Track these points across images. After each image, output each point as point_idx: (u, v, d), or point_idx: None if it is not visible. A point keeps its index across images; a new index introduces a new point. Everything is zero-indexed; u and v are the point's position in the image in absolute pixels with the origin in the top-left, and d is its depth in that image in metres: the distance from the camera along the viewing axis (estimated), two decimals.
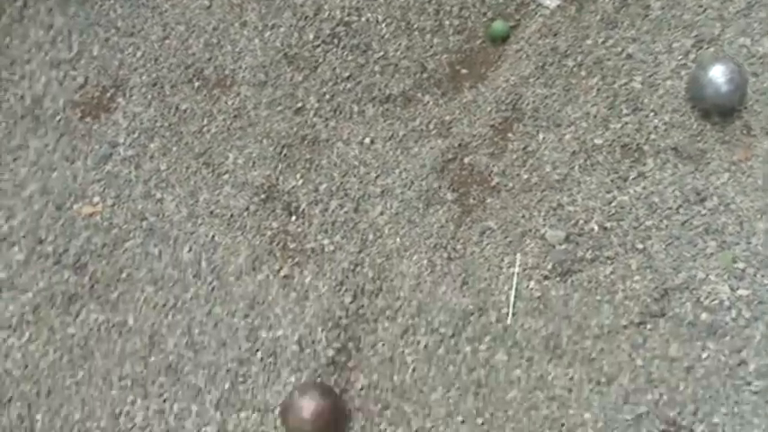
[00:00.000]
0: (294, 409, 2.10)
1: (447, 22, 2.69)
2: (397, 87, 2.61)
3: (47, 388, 2.25)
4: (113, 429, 2.20)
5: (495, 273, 2.33)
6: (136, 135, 2.56)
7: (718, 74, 2.40)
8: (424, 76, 2.62)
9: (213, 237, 2.41)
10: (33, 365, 2.28)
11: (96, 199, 2.47)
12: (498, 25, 2.64)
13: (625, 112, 2.50)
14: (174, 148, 2.54)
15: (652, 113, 2.49)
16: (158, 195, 2.48)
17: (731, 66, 2.42)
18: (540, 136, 2.50)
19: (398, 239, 2.39)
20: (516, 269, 2.32)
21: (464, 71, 2.63)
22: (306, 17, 2.73)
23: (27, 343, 2.31)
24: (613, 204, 2.38)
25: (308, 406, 2.09)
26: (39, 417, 2.22)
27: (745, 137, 2.43)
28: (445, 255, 2.36)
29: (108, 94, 2.63)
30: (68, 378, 2.26)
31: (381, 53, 2.66)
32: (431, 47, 2.66)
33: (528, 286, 2.30)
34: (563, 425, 2.13)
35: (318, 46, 2.69)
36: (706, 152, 2.42)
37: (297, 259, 2.38)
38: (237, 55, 2.69)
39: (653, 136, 2.46)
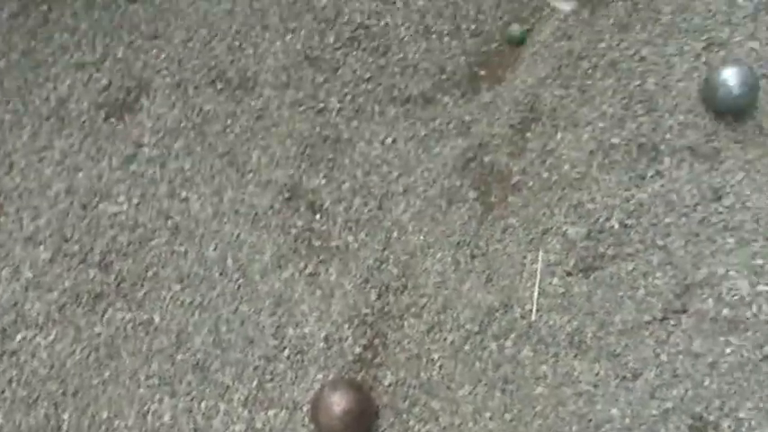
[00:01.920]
0: (324, 406, 1.92)
1: (464, 26, 2.52)
2: (416, 88, 2.44)
3: (74, 387, 2.07)
4: (141, 428, 2.02)
5: (518, 269, 2.16)
6: (160, 135, 2.38)
7: (730, 76, 2.25)
8: (443, 77, 2.45)
9: (239, 235, 2.23)
10: (60, 364, 2.09)
11: (122, 198, 2.28)
12: (515, 29, 2.48)
13: (640, 112, 2.34)
14: (199, 148, 2.36)
15: (667, 114, 2.33)
16: (183, 194, 2.29)
17: (743, 68, 2.27)
18: (559, 135, 2.34)
19: (422, 237, 2.22)
20: (539, 266, 2.15)
21: (482, 73, 2.46)
22: (326, 20, 2.55)
23: (54, 342, 2.12)
24: (632, 202, 2.22)
25: (338, 402, 1.91)
26: (66, 416, 2.04)
27: (757, 136, 2.28)
28: (468, 252, 2.19)
29: (132, 96, 2.44)
30: (95, 377, 2.08)
31: (401, 55, 2.49)
32: (449, 49, 2.49)
33: (551, 282, 2.13)
34: (590, 420, 1.97)
35: (339, 48, 2.51)
36: (720, 151, 2.27)
37: (322, 257, 2.20)
38: (259, 57, 2.51)
39: (668, 136, 2.30)
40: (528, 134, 2.35)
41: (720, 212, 2.18)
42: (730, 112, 2.29)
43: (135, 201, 2.28)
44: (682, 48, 2.41)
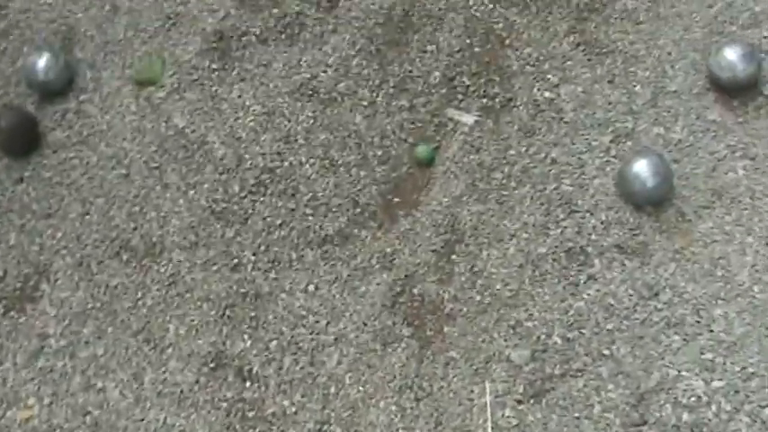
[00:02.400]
0: None
1: (371, 154, 2.45)
2: (332, 227, 2.35)
3: None
4: None
5: (467, 406, 2.05)
6: (67, 322, 2.22)
7: (642, 169, 2.23)
8: (357, 210, 2.37)
9: (165, 420, 2.07)
10: None
11: (31, 400, 2.10)
12: (422, 149, 2.42)
13: (561, 216, 2.29)
14: (110, 329, 2.20)
15: (588, 214, 2.29)
16: (99, 384, 2.12)
17: (653, 158, 2.25)
18: (484, 254, 2.26)
19: (361, 388, 2.09)
20: (488, 398, 2.04)
21: (396, 200, 2.39)
22: (228, 170, 2.46)
23: None
24: (571, 313, 2.15)
25: None
26: None
27: (681, 223, 2.25)
28: (413, 396, 2.07)
29: (31, 283, 2.29)
30: None
31: (310, 195, 2.40)
32: (359, 180, 2.42)
33: (504, 414, 2.02)
34: None
35: (245, 197, 2.41)
36: (648, 245, 2.22)
37: (258, 428, 2.05)
38: (163, 220, 2.39)
39: (593, 236, 2.25)
40: (453, 257, 2.28)
41: (660, 309, 2.12)
42: (649, 203, 2.26)
43: (47, 401, 2.10)
44: (590, 144, 2.39)
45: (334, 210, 2.37)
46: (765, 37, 2.47)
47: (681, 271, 2.17)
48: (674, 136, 2.37)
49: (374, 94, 2.53)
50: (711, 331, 2.08)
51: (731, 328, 2.08)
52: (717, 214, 2.24)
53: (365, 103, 2.51)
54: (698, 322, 2.09)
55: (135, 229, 2.38)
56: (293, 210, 2.38)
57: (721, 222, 2.23)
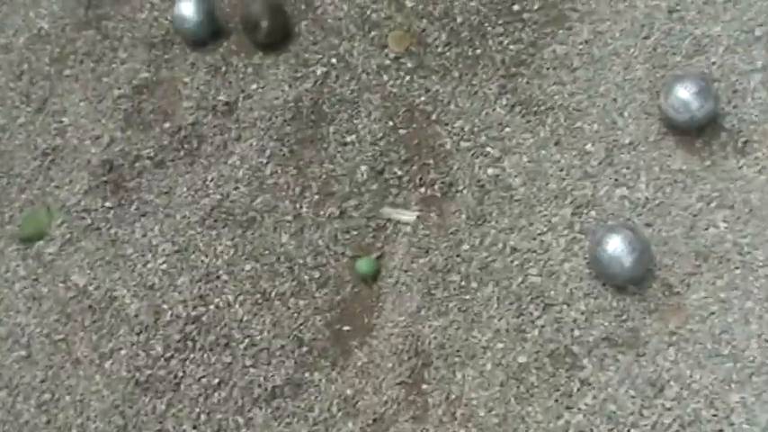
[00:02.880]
0: None
1: (306, 278, 2.13)
2: (278, 376, 2.02)
3: None
4: None
5: None
6: None
7: (616, 247, 1.95)
8: (304, 350, 2.04)
9: None
10: None
11: None
12: (364, 263, 2.11)
13: (536, 314, 2.00)
14: None
15: (565, 306, 2.01)
16: None
17: (625, 233, 1.98)
18: (459, 375, 1.96)
19: None
20: None
21: (346, 328, 2.07)
22: (146, 327, 2.10)
23: None
24: (571, 431, 1.86)
25: None
26: None
27: (669, 297, 1.98)
28: None
29: None
30: None
31: (247, 341, 2.07)
32: (299, 313, 2.09)
33: None
34: None
35: (172, 358, 2.06)
36: (639, 330, 1.95)
37: None
38: (80, 404, 2.03)
39: (576, 332, 1.97)
40: (424, 386, 1.97)
41: (669, 408, 1.85)
42: (631, 283, 2.00)
43: None
44: (549, 221, 2.12)
45: (277, 354, 2.04)
46: (714, 63, 2.23)
47: (682, 356, 1.90)
48: (640, 195, 2.11)
49: (297, 206, 2.20)
50: (732, 424, 1.81)
51: (753, 416, 1.82)
52: (706, 280, 1.98)
53: (289, 218, 2.19)
54: (715, 416, 1.83)
55: (48, 422, 2.01)
56: (230, 363, 2.04)
57: (714, 289, 1.97)
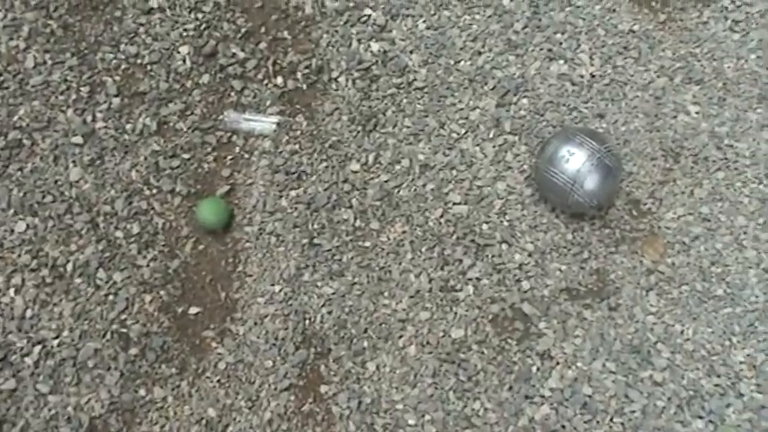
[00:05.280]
0: None
1: (119, 235, 1.37)
2: (97, 401, 1.31)
3: None
4: None
5: None
6: None
7: (581, 163, 1.37)
8: (133, 353, 1.34)
9: None
10: None
11: None
12: (206, 206, 1.38)
13: (467, 261, 1.42)
14: None
15: (504, 245, 1.42)
16: None
17: (586, 141, 1.39)
18: (370, 367, 1.37)
19: None
20: None
21: (194, 311, 1.37)
22: None
23: None
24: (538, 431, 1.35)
25: None
26: None
27: (637, 219, 1.46)
28: None
29: None
30: None
31: (37, 349, 1.32)
32: (116, 294, 1.35)
33: None
34: None
35: None
36: (606, 273, 1.43)
37: None
38: None
39: (525, 283, 1.41)
40: (323, 389, 1.35)
41: (661, 384, 1.37)
42: (596, 210, 1.44)
43: None
44: (467, 118, 1.48)
45: (89, 366, 1.31)
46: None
47: (667, 304, 1.41)
48: (583, 72, 1.51)
49: (88, 118, 1.39)
50: (741, 395, 1.38)
51: (765, 379, 1.39)
52: (682, 189, 1.47)
53: (78, 141, 1.39)
54: (717, 386, 1.38)
55: None
56: (14, 390, 1.30)
57: (693, 203, 1.47)
